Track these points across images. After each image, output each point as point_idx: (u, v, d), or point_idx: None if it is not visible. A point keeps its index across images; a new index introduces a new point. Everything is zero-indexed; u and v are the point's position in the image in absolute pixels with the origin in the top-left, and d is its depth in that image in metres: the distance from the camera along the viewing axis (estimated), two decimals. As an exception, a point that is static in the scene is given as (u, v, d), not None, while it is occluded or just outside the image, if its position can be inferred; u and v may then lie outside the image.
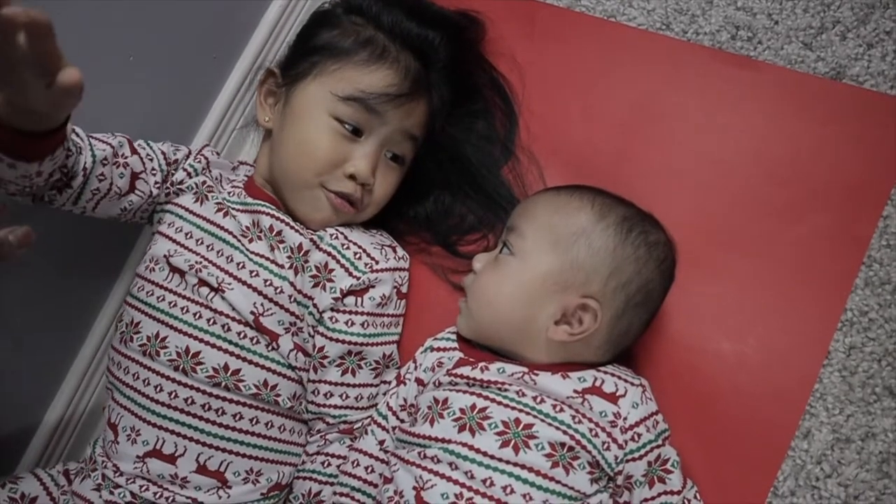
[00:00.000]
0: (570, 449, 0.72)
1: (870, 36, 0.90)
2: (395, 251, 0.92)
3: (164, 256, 0.85)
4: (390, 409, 0.86)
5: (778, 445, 0.80)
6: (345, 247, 0.88)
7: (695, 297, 0.86)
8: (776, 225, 0.87)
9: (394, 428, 0.85)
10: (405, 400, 0.85)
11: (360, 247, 0.88)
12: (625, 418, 0.75)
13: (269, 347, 0.84)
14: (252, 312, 0.83)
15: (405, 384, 0.86)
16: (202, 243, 0.86)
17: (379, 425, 0.86)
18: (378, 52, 0.86)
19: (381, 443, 0.85)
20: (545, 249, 0.77)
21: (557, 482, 0.71)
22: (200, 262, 0.84)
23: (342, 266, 0.87)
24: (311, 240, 0.87)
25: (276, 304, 0.84)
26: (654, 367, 0.85)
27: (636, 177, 0.92)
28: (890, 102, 0.87)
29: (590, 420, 0.74)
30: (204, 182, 0.90)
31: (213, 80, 1.03)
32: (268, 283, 0.84)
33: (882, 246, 0.83)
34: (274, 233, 0.87)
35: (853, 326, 0.82)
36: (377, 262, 0.88)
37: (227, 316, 0.83)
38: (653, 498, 0.75)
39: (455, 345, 0.85)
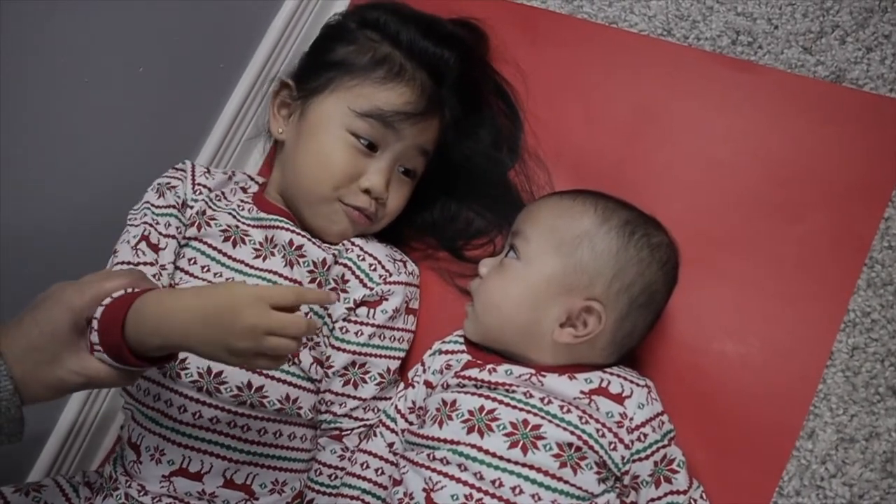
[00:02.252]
0: (578, 449, 0.73)
1: (869, 40, 0.91)
2: (405, 266, 0.92)
3: (170, 284, 0.85)
4: (399, 411, 0.87)
5: (783, 446, 0.80)
6: (361, 258, 0.89)
7: (698, 299, 0.87)
8: (778, 227, 0.88)
9: (402, 430, 0.85)
10: (413, 402, 0.86)
11: (375, 258, 0.89)
12: (631, 419, 0.76)
13: (290, 363, 0.84)
14: None
15: (413, 387, 0.87)
16: (208, 271, 0.86)
17: (388, 428, 0.86)
18: (395, 71, 0.87)
19: (391, 445, 0.85)
20: (549, 253, 0.78)
21: (566, 482, 0.72)
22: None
23: (357, 277, 0.88)
24: (333, 254, 0.88)
25: None
26: (658, 368, 0.86)
27: (639, 180, 0.93)
28: (890, 105, 0.88)
29: (597, 421, 0.74)
30: (203, 211, 0.89)
31: (221, 90, 1.04)
32: None
33: (884, 247, 0.84)
34: (294, 247, 0.87)
35: (856, 327, 0.82)
36: (390, 275, 0.89)
37: None
38: (659, 498, 0.75)
39: (463, 347, 0.85)
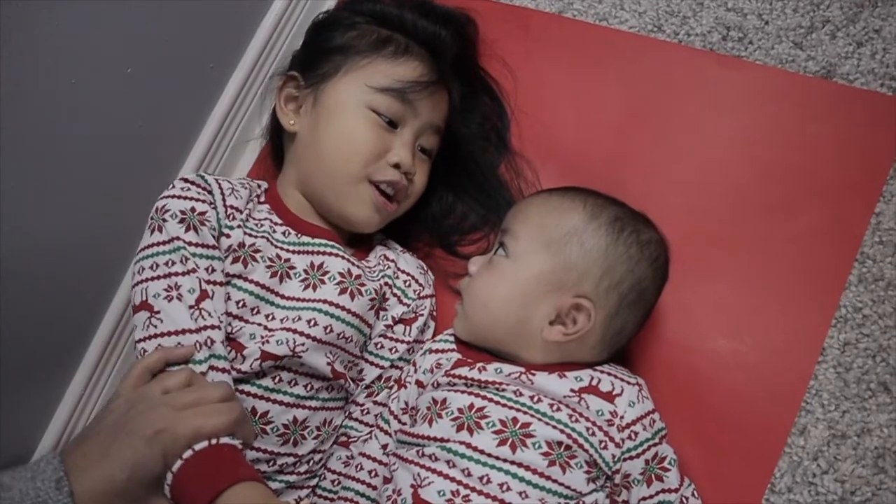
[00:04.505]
0: (568, 448, 0.72)
1: (859, 34, 0.91)
2: (429, 275, 0.94)
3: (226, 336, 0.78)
4: (392, 413, 0.86)
5: (774, 442, 0.80)
6: (396, 276, 0.89)
7: (690, 296, 0.87)
8: (769, 223, 0.87)
9: (396, 431, 0.85)
10: (406, 403, 0.86)
11: (409, 275, 0.90)
12: (621, 417, 0.75)
13: (330, 388, 0.83)
14: (328, 364, 0.82)
15: (406, 387, 0.87)
16: (258, 312, 0.80)
17: (382, 429, 0.86)
18: (402, 47, 0.87)
19: (385, 447, 0.85)
20: (538, 250, 0.78)
21: (554, 481, 0.71)
22: (266, 335, 0.79)
23: (395, 295, 0.89)
24: (383, 278, 0.88)
25: (343, 349, 0.84)
26: (650, 366, 0.85)
27: (630, 177, 0.92)
28: (880, 100, 0.88)
29: (587, 419, 0.74)
30: (242, 243, 0.81)
31: (211, 90, 1.03)
32: (340, 335, 0.82)
33: (875, 242, 0.84)
34: (353, 277, 0.85)
35: (847, 323, 0.82)
36: (423, 289, 0.91)
37: (298, 373, 0.81)
38: (651, 496, 0.75)
39: (453, 346, 0.85)
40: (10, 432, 0.89)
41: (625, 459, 0.74)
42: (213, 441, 0.62)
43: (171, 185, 0.81)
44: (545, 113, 0.99)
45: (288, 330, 0.79)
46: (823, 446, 0.79)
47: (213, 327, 0.74)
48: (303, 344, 0.79)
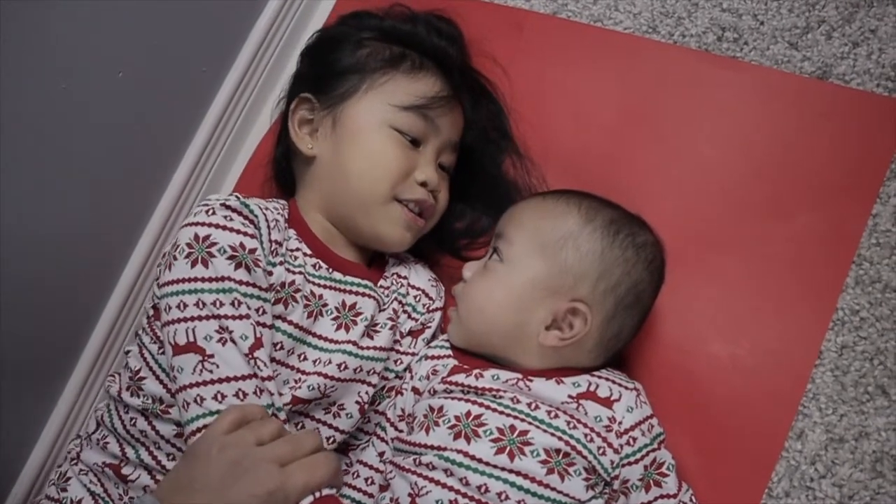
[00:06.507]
0: (566, 455, 0.72)
1: (855, 34, 0.91)
2: (441, 287, 0.93)
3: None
4: (388, 420, 0.86)
5: (772, 446, 0.80)
6: (406, 293, 0.89)
7: (686, 299, 0.87)
8: (766, 225, 0.87)
9: (392, 439, 0.84)
10: (403, 410, 0.85)
11: (419, 289, 0.90)
12: (620, 423, 0.75)
13: (347, 415, 0.82)
14: (357, 402, 0.82)
15: (402, 394, 0.86)
16: (293, 353, 0.79)
17: (378, 437, 0.86)
18: (417, 64, 0.87)
19: (381, 454, 0.84)
20: (533, 255, 0.78)
21: (552, 489, 0.71)
22: (299, 379, 0.78)
23: (405, 311, 0.88)
24: (395, 296, 0.87)
25: (369, 384, 0.83)
26: (647, 370, 0.85)
27: (626, 179, 0.92)
28: (876, 101, 0.88)
29: (585, 425, 0.74)
30: (284, 283, 0.78)
31: (204, 94, 1.03)
32: (371, 371, 0.82)
33: (872, 244, 0.84)
34: (382, 318, 0.85)
35: (844, 325, 0.82)
36: (433, 302, 0.90)
37: (322, 422, 0.81)
38: (649, 502, 0.75)
39: (449, 352, 0.84)
40: (2, 438, 0.89)
41: (623, 465, 0.74)
42: (317, 494, 0.62)
43: (208, 209, 0.75)
44: (540, 115, 0.98)
45: (319, 374, 0.78)
46: (821, 450, 0.79)
47: (269, 378, 0.72)
48: (333, 386, 0.79)
